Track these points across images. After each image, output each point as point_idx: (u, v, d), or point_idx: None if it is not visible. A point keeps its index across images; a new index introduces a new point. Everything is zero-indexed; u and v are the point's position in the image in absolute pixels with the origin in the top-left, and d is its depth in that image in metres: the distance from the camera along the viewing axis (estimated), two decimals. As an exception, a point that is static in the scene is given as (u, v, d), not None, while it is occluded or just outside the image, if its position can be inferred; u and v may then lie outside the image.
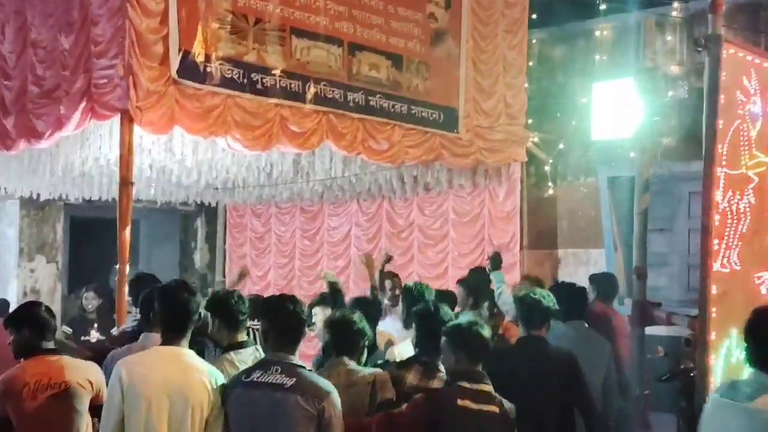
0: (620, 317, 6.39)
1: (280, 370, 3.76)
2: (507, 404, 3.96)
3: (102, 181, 9.77)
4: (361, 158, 8.03)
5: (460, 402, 3.83)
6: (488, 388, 3.95)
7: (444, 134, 8.28)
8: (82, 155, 7.88)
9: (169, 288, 4.13)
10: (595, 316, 5.99)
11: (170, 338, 3.95)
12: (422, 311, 4.60)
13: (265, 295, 5.78)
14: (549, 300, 4.81)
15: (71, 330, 7.84)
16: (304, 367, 3.83)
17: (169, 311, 4.00)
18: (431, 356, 4.39)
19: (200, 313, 4.13)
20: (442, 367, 4.27)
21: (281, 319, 3.91)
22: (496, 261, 7.08)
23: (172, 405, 3.77)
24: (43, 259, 11.69)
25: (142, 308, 4.77)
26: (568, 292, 5.73)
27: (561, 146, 9.85)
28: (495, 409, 3.90)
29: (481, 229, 9.97)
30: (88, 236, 13.25)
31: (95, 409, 4.33)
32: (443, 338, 4.07)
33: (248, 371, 3.90)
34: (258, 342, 5.68)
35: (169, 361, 3.89)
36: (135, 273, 6.27)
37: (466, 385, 3.89)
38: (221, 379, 3.95)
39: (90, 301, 8.08)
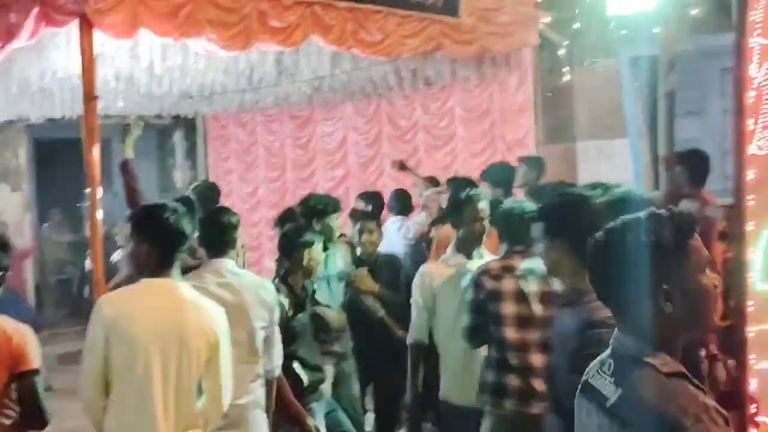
0: None
1: None
2: None
3: (64, 97, 9.70)
4: (352, 53, 7.95)
5: None
6: None
7: (443, 19, 8.15)
8: (39, 68, 7.81)
9: (158, 210, 3.98)
10: None
11: (160, 270, 3.84)
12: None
13: None
14: None
15: None
16: None
17: (161, 239, 3.88)
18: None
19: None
20: None
21: None
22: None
23: (164, 347, 3.71)
24: (7, 187, 11.75)
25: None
26: None
27: (576, 26, 9.73)
28: None
29: (491, 126, 9.98)
30: (55, 160, 13.30)
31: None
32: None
33: None
34: None
35: (161, 297, 3.81)
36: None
37: None
38: (222, 317, 3.90)
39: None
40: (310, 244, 5.47)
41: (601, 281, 2.40)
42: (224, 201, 9.87)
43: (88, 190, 5.91)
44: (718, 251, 6.40)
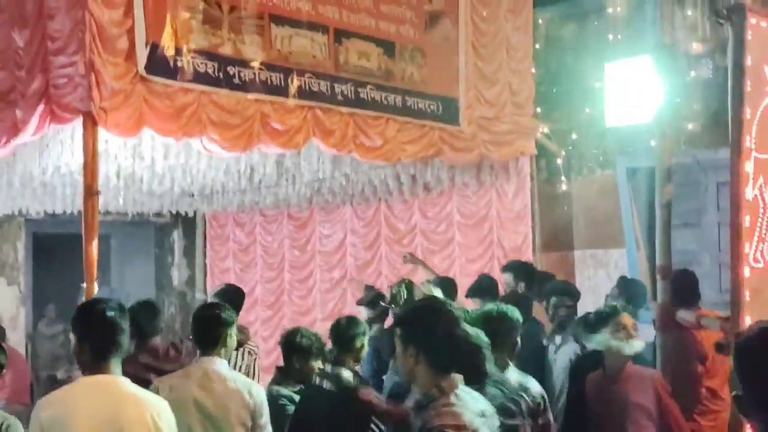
0: None
1: None
2: None
3: (65, 192, 9.79)
4: (352, 157, 8.04)
5: None
6: None
7: (443, 127, 8.29)
8: (41, 164, 7.90)
9: (91, 305, 3.94)
10: None
11: (97, 365, 3.76)
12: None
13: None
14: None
15: None
16: None
17: (95, 333, 3.80)
18: None
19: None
20: None
21: None
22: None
23: None
24: (3, 281, 11.70)
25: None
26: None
27: (574, 136, 9.87)
28: None
29: (489, 232, 10.00)
30: (53, 254, 13.29)
31: None
32: None
33: None
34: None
35: (99, 394, 3.74)
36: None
37: None
38: (165, 411, 3.82)
39: None
40: (365, 333, 5.50)
41: (751, 388, 2.35)
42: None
43: (84, 285, 5.90)
44: (717, 361, 6.37)
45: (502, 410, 4.47)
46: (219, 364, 4.82)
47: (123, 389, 3.78)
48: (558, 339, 6.50)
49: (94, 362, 3.78)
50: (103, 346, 3.79)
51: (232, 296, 7.28)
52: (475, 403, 3.47)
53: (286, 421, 5.27)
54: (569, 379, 6.01)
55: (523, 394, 4.73)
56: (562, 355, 6.36)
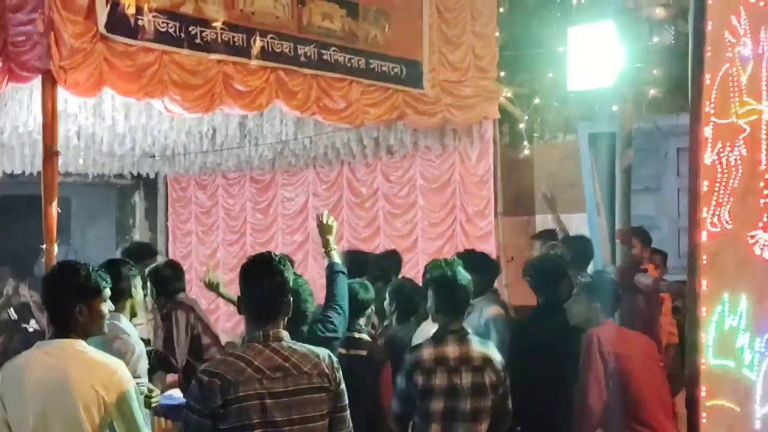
0: None
1: None
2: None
3: (24, 152, 9.68)
4: (316, 119, 8.01)
5: None
6: None
7: (407, 90, 8.28)
8: None
9: (48, 272, 3.92)
10: None
11: (58, 330, 3.78)
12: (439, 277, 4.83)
13: None
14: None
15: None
16: None
17: (46, 298, 3.84)
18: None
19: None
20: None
21: None
22: None
23: (51, 407, 3.64)
24: (-40, 243, 11.59)
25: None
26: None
27: (537, 101, 9.90)
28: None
29: (452, 196, 10.01)
30: (13, 216, 13.12)
31: None
32: None
33: None
34: None
35: (52, 356, 3.73)
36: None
37: None
38: (118, 372, 3.79)
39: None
40: None
41: None
42: (182, 263, 9.80)
43: (44, 247, 5.86)
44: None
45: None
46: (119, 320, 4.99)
47: (77, 353, 3.76)
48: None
49: (53, 327, 3.81)
50: (54, 311, 3.82)
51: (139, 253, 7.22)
52: (273, 359, 3.53)
53: None
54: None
55: (488, 368, 4.68)
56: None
